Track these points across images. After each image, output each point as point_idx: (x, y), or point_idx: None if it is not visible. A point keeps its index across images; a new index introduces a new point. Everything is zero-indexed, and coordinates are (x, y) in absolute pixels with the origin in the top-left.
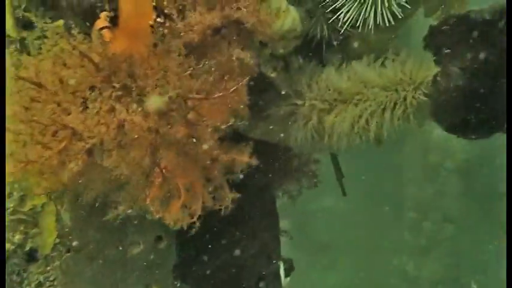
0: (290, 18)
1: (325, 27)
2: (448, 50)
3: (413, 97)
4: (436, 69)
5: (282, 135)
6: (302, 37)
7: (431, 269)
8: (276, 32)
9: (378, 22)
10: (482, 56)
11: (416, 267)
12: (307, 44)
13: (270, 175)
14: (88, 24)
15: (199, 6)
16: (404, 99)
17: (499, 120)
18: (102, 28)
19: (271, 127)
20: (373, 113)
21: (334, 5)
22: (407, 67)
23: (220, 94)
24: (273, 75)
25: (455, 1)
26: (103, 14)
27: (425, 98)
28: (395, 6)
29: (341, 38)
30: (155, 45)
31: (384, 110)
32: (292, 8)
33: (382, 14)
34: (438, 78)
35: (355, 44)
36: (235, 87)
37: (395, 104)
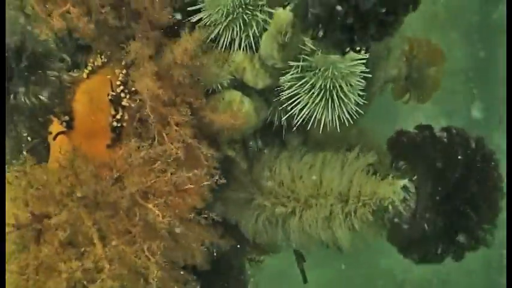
0: (243, 111)
1: (282, 115)
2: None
3: (363, 213)
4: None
5: (237, 219)
6: (260, 123)
7: None
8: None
9: (331, 123)
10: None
11: None
12: (268, 127)
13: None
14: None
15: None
16: (355, 212)
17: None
18: (57, 134)
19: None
20: (327, 219)
21: (289, 98)
22: (364, 180)
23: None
24: (231, 154)
25: (425, 84)
26: (55, 119)
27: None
28: (351, 105)
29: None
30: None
31: (335, 218)
32: (247, 101)
33: (337, 115)
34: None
35: (315, 132)
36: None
37: (346, 214)
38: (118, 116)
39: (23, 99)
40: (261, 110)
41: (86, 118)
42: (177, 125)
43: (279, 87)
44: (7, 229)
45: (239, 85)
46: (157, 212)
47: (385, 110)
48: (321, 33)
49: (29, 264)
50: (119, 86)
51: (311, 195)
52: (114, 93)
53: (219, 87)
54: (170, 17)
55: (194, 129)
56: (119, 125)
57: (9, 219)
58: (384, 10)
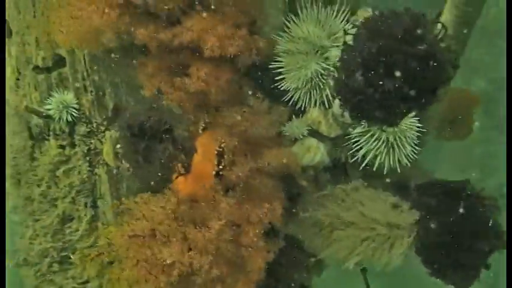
0: (319, 154)
1: (348, 156)
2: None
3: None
4: None
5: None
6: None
7: None
8: (308, 164)
9: (393, 166)
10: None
11: None
12: (335, 162)
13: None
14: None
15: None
16: (402, 238)
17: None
18: (178, 176)
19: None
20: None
21: (355, 144)
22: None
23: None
24: (304, 183)
25: (464, 123)
26: (179, 164)
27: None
28: (408, 152)
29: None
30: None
31: (383, 245)
32: (322, 145)
33: (398, 159)
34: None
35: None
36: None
37: (393, 242)
38: (220, 166)
39: (160, 154)
40: (331, 152)
41: (199, 165)
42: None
43: (347, 135)
44: None
45: (314, 132)
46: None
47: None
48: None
49: None
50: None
51: (374, 224)
52: (219, 149)
53: (300, 136)
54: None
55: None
56: (220, 172)
57: None
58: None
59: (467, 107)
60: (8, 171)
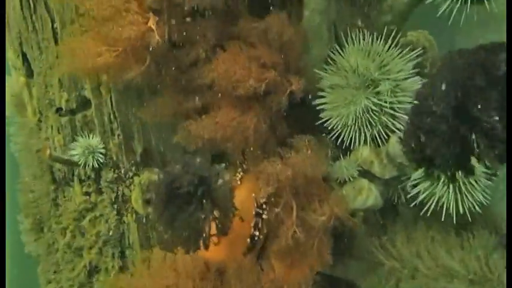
0: (372, 197)
1: (402, 195)
2: None
3: None
4: None
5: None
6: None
7: None
8: (359, 207)
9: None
10: None
11: None
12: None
13: None
14: None
15: None
16: None
17: None
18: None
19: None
20: None
21: (410, 183)
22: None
23: None
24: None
25: None
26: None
27: None
28: (479, 190)
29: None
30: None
31: None
32: (374, 187)
33: (461, 201)
34: None
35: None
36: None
37: None
38: (257, 229)
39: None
40: (384, 192)
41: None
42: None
43: (404, 175)
44: None
45: (365, 172)
46: None
47: None
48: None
49: None
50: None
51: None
52: (257, 208)
53: (350, 178)
54: None
55: None
56: (256, 235)
57: None
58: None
59: None
60: (30, 218)
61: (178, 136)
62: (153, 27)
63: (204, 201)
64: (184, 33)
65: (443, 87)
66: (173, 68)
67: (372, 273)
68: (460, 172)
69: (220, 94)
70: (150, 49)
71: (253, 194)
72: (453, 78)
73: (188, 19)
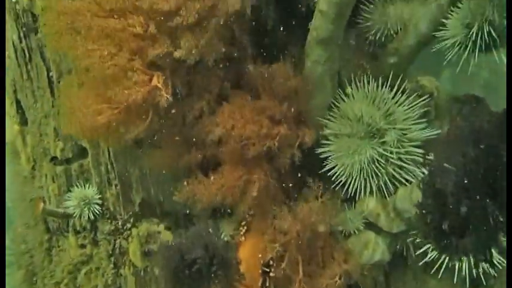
0: (379, 251)
1: (410, 248)
2: None
3: None
4: None
5: None
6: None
7: None
8: (366, 262)
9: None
10: None
11: None
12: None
13: None
14: None
15: None
16: None
17: None
18: None
19: None
20: None
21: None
22: None
23: None
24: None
25: None
26: None
27: None
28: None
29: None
30: None
31: None
32: (381, 240)
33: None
34: None
35: None
36: None
37: None
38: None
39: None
40: (392, 245)
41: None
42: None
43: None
44: None
45: (371, 225)
46: None
47: None
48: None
49: None
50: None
51: None
52: (263, 266)
53: (355, 231)
54: None
55: None
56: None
57: None
58: None
59: None
60: (22, 270)
61: (179, 194)
62: (160, 85)
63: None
64: (188, 86)
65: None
66: (175, 122)
67: None
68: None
69: (226, 151)
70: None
71: (260, 255)
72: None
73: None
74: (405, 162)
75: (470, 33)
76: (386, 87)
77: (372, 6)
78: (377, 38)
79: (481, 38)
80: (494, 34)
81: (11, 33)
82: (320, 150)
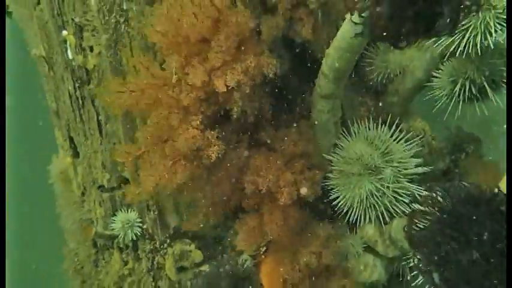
0: (376, 273)
1: (407, 270)
2: None
3: None
4: None
5: None
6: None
7: None
8: (364, 282)
9: None
10: None
11: None
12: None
13: None
14: None
15: None
16: None
17: None
18: None
19: None
20: None
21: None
22: None
23: None
24: None
25: None
26: None
27: None
28: None
29: None
30: None
31: None
32: (378, 262)
33: None
34: None
35: None
36: None
37: None
38: None
39: None
40: (388, 268)
41: None
42: None
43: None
44: None
45: (369, 248)
46: None
47: None
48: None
49: None
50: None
51: None
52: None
53: (356, 255)
54: None
55: None
56: None
57: None
58: None
59: None
60: (78, 280)
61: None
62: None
63: None
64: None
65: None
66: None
67: None
68: None
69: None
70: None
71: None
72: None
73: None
74: (400, 196)
75: (455, 89)
76: (386, 125)
77: (373, 52)
78: (379, 79)
79: (463, 93)
80: (474, 91)
81: (67, 85)
82: (325, 183)
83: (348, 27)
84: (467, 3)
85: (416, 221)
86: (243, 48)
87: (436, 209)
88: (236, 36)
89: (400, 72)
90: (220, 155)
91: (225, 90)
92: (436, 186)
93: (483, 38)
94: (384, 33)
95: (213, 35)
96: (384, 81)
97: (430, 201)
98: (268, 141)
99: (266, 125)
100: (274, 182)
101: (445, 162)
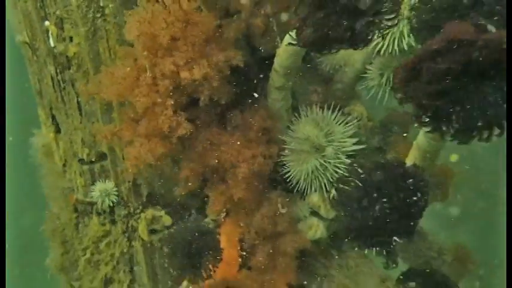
0: (319, 231)
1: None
2: None
3: None
4: None
5: None
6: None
7: None
8: (310, 239)
9: None
10: None
11: None
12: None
13: None
14: None
15: None
16: None
17: None
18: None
19: None
20: None
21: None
22: None
23: None
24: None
25: None
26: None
27: None
28: None
29: None
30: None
31: None
32: (321, 224)
33: None
34: None
35: None
36: None
37: None
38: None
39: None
40: (330, 226)
41: (226, 251)
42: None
43: None
44: None
45: (314, 212)
46: None
47: None
48: None
49: None
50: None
51: None
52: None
53: (303, 217)
54: None
55: None
56: (244, 255)
57: None
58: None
59: None
60: (57, 239)
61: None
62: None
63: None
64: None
65: None
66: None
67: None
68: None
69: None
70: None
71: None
72: None
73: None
74: (339, 169)
75: (382, 80)
76: (330, 110)
77: None
78: (327, 70)
79: (389, 83)
80: None
81: (49, 69)
82: (280, 159)
83: (288, 37)
84: (386, 21)
85: (342, 185)
86: (209, 45)
87: (354, 176)
88: (202, 34)
89: (343, 64)
90: (188, 135)
91: (190, 81)
92: (357, 161)
93: (400, 41)
94: (312, 43)
95: (181, 35)
96: (331, 71)
97: (352, 171)
98: (234, 122)
99: (232, 108)
100: (236, 157)
101: (377, 140)
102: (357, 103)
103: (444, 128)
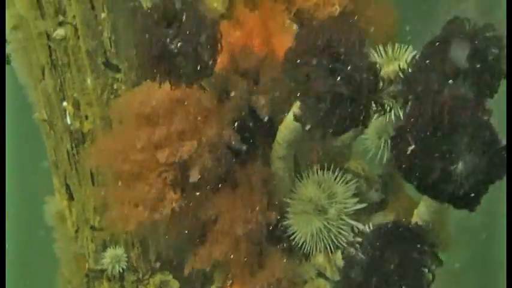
0: None
1: None
2: None
3: None
4: None
5: None
6: None
7: None
8: None
9: None
10: None
11: None
12: None
13: None
14: None
15: None
16: None
17: None
18: None
19: None
20: None
21: None
22: None
23: None
24: None
25: None
26: None
27: None
28: None
29: None
30: None
31: None
32: (328, 284)
33: None
34: None
35: None
36: None
37: None
38: None
39: None
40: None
41: None
42: None
43: None
44: None
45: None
46: None
47: None
48: None
49: None
50: None
51: None
52: None
53: (311, 279)
54: None
55: None
56: None
57: None
58: None
59: None
60: None
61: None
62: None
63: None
64: None
65: None
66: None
67: None
68: None
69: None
70: None
71: None
72: None
73: None
74: (343, 231)
75: (380, 142)
76: (330, 170)
77: None
78: None
79: (387, 144)
80: None
81: (65, 143)
82: (283, 223)
83: (291, 115)
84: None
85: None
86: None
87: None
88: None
89: None
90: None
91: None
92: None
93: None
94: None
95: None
96: None
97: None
98: (234, 185)
99: (232, 173)
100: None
101: (377, 195)
102: (357, 159)
103: None
